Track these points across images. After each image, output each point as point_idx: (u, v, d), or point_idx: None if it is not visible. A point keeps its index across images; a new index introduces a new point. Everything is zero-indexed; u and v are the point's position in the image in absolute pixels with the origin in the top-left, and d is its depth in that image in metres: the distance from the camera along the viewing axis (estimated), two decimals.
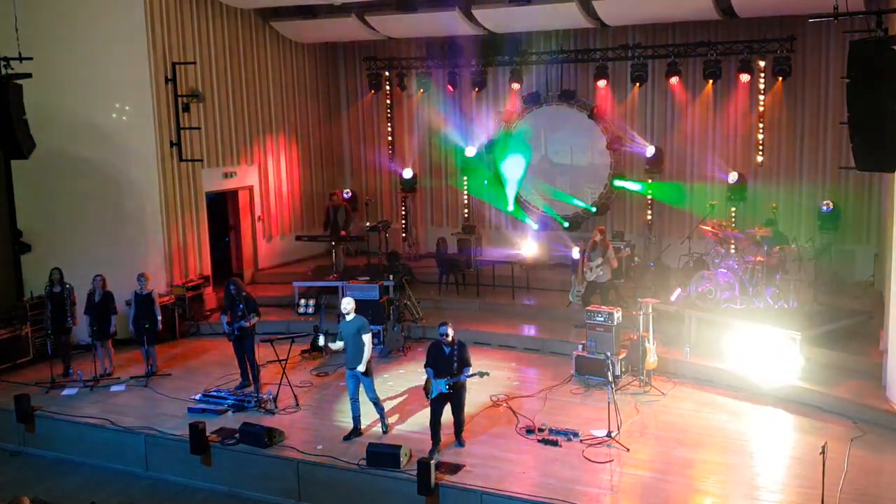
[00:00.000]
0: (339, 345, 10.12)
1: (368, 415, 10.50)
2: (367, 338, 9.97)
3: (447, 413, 9.72)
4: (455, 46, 17.67)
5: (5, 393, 11.98)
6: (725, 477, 8.93)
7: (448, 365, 9.52)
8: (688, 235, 15.26)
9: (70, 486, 10.27)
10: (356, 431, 10.25)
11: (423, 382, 12.17)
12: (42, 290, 12.95)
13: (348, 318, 10.08)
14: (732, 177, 15.29)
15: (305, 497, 9.59)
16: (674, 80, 15.75)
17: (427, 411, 10.00)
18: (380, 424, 10.37)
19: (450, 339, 9.56)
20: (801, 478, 8.81)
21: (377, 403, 10.33)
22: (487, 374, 9.94)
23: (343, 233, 16.82)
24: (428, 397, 9.70)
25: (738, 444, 9.79)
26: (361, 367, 9.96)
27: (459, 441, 9.86)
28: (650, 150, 16.08)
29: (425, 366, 9.72)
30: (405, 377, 12.33)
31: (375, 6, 16.41)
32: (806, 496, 8.35)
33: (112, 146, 14.37)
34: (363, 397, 10.27)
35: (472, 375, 9.62)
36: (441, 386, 9.49)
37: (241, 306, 11.57)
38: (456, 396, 9.64)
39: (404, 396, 11.52)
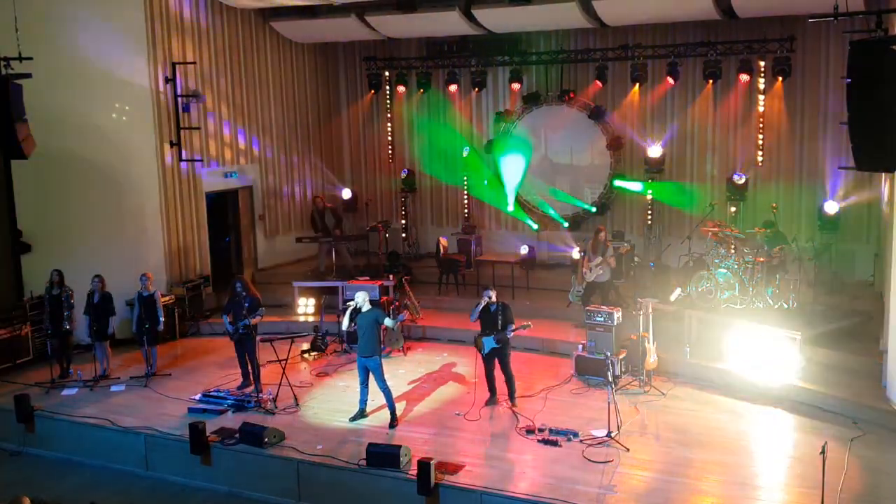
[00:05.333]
0: (345, 322, 10.75)
1: (375, 401, 10.88)
2: (387, 321, 10.75)
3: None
4: (455, 46, 17.70)
5: (5, 393, 11.98)
6: (725, 477, 8.93)
7: (493, 322, 10.73)
8: (688, 235, 15.25)
9: (70, 486, 10.27)
10: (361, 413, 10.75)
11: (422, 381, 12.29)
12: (42, 290, 12.95)
13: (364, 309, 10.57)
14: (739, 178, 15.27)
15: (305, 497, 9.59)
16: (672, 80, 15.74)
17: (427, 407, 11.09)
18: (387, 409, 10.67)
19: (494, 300, 10.74)
20: (801, 478, 8.81)
21: (387, 392, 10.63)
22: (529, 325, 10.92)
23: (338, 232, 16.83)
24: (481, 353, 10.88)
25: (738, 444, 9.80)
26: (388, 321, 10.80)
27: (513, 400, 10.90)
28: (656, 151, 16.05)
29: (472, 314, 10.95)
30: (405, 377, 12.35)
31: (375, 6, 16.39)
32: (806, 496, 8.35)
33: (112, 146, 14.37)
34: (373, 386, 10.62)
35: (515, 330, 10.74)
36: (490, 342, 10.70)
37: (245, 305, 11.59)
38: (501, 352, 10.79)
39: (404, 397, 11.52)
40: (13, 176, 14.00)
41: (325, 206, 17.17)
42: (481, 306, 10.79)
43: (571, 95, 16.83)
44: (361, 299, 10.60)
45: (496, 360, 10.93)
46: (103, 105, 14.33)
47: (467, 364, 12.91)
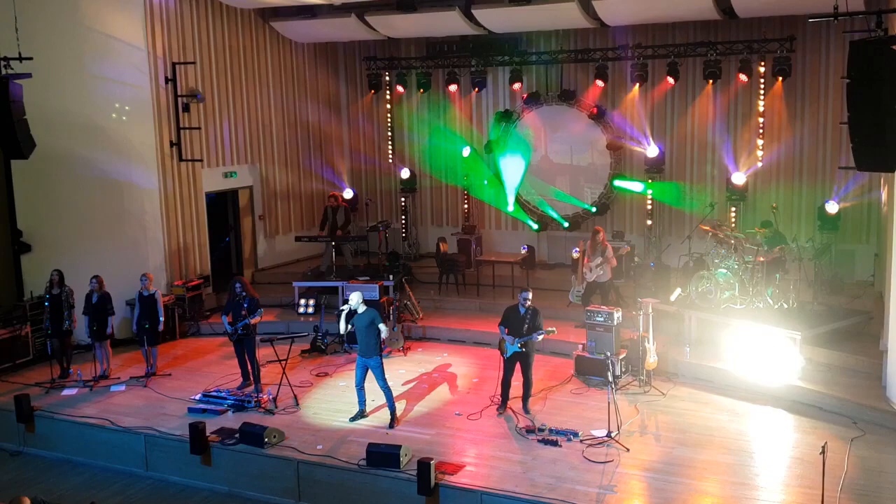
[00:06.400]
0: (341, 326, 10.79)
1: (375, 401, 10.92)
2: (382, 326, 10.54)
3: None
4: (455, 46, 17.72)
5: (5, 393, 11.99)
6: (725, 477, 8.93)
7: (520, 326, 10.45)
8: (688, 235, 15.26)
9: (70, 486, 10.28)
10: (361, 413, 10.75)
11: (422, 381, 12.29)
12: (42, 291, 12.95)
13: (359, 310, 10.54)
14: (739, 178, 15.28)
15: (305, 497, 9.60)
16: (673, 80, 15.75)
17: (427, 407, 10.99)
18: (387, 409, 10.66)
19: (528, 304, 10.49)
20: (801, 478, 8.81)
21: (387, 392, 10.63)
22: (553, 330, 10.68)
23: (339, 233, 16.83)
24: (503, 356, 10.61)
25: (738, 444, 9.80)
26: (385, 331, 10.63)
27: (526, 407, 10.64)
28: (653, 150, 16.06)
29: (499, 324, 10.73)
30: (405, 377, 12.35)
31: (375, 6, 16.40)
32: (806, 496, 8.36)
33: (112, 146, 14.36)
34: (374, 385, 10.58)
35: (541, 335, 10.51)
36: (514, 346, 10.44)
37: (244, 305, 11.59)
38: (525, 356, 10.53)
39: (404, 397, 11.52)
40: (13, 176, 14.02)
41: (340, 204, 17.17)
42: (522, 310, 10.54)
43: (573, 96, 16.84)
44: (355, 301, 10.58)
45: (518, 365, 10.62)
46: (103, 105, 14.31)
47: (467, 364, 12.93)
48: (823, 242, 14.41)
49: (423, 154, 18.90)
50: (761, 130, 15.45)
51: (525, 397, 10.75)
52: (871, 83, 7.55)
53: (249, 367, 11.86)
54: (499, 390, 10.84)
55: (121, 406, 11.51)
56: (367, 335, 10.47)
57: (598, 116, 16.66)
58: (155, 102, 14.66)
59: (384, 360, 10.77)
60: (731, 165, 15.75)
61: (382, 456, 9.25)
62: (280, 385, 11.41)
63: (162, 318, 12.69)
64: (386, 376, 10.63)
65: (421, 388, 11.96)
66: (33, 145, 10.35)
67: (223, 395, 11.53)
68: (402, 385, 11.98)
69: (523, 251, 16.61)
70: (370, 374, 10.60)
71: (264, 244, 17.84)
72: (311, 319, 14.80)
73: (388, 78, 18.76)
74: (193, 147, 15.47)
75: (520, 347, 10.44)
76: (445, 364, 13.01)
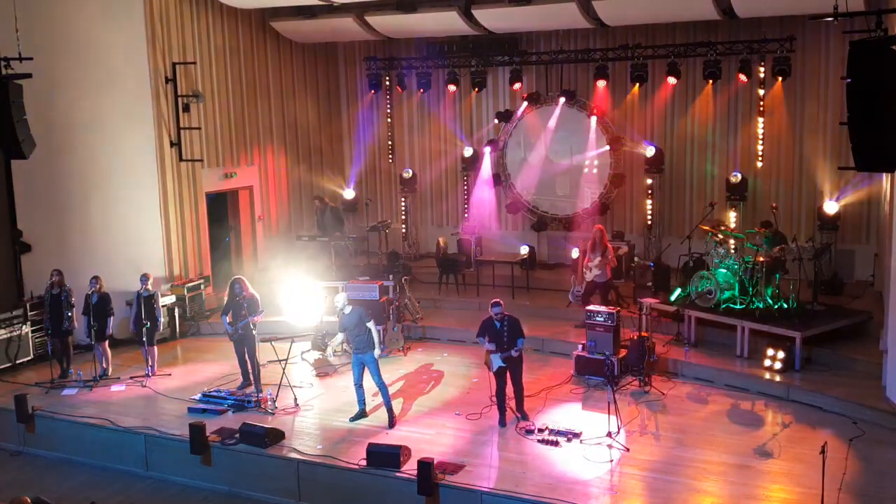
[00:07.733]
0: (339, 336, 10.84)
1: (374, 400, 10.89)
2: (370, 325, 10.52)
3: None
4: (455, 46, 17.72)
5: (5, 393, 11.98)
6: (725, 477, 8.93)
7: (499, 339, 10.15)
8: (688, 235, 15.26)
9: (70, 486, 10.27)
10: (362, 413, 10.72)
11: (422, 380, 12.25)
12: (42, 290, 12.95)
13: (346, 311, 10.55)
14: (739, 178, 15.29)
15: (305, 497, 9.60)
16: (673, 79, 15.75)
17: (427, 407, 10.93)
18: (385, 410, 10.61)
19: (501, 315, 10.16)
20: (801, 478, 8.80)
21: (383, 389, 10.61)
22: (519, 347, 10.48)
23: (338, 234, 16.83)
24: (491, 370, 10.32)
25: (738, 444, 9.79)
26: (377, 351, 10.55)
27: (522, 414, 10.42)
28: (650, 151, 16.07)
29: (478, 335, 10.45)
30: (405, 377, 12.35)
31: (375, 6, 16.41)
32: (806, 496, 8.36)
33: (112, 146, 14.36)
34: (369, 382, 10.61)
35: (522, 344, 10.25)
36: (497, 360, 10.17)
37: (244, 305, 11.59)
38: (513, 367, 10.29)
39: (405, 397, 11.52)
40: (13, 176, 14.00)
41: (327, 205, 17.20)
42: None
43: (573, 96, 16.83)
44: (341, 303, 10.64)
45: (507, 373, 10.35)
46: (103, 105, 14.30)
47: (467, 364, 12.92)
48: (823, 242, 14.41)
49: (423, 154, 18.90)
50: (761, 130, 15.46)
51: (518, 401, 10.51)
52: (870, 83, 7.55)
53: (249, 367, 11.86)
54: (495, 401, 10.53)
55: (121, 406, 11.51)
56: (357, 333, 10.51)
57: (598, 116, 16.65)
58: (155, 102, 14.65)
59: (384, 361, 10.76)
60: (730, 165, 15.75)
61: (382, 456, 9.26)
62: (280, 385, 11.41)
63: (160, 319, 12.70)
64: (384, 376, 10.62)
65: (420, 387, 11.95)
66: (33, 145, 10.34)
67: (223, 395, 11.53)
68: (402, 385, 11.98)
69: (523, 251, 16.61)
70: (367, 372, 10.60)
71: (264, 244, 17.82)
72: (311, 319, 14.76)
73: (388, 78, 18.76)
74: (193, 147, 15.46)
75: (503, 363, 10.21)
76: (445, 364, 13.01)
